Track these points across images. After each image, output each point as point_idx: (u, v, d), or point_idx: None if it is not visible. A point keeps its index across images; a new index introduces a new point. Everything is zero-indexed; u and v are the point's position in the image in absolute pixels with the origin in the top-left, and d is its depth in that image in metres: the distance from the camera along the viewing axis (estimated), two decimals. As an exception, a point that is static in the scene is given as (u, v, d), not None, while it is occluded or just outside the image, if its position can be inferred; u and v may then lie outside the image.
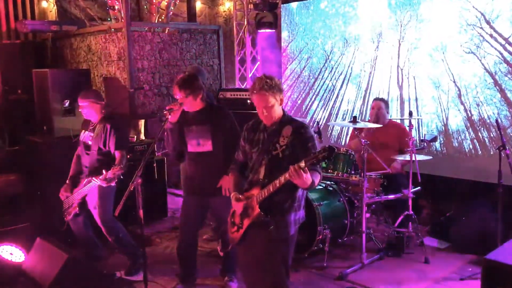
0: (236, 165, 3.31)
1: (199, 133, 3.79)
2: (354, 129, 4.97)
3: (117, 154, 4.21)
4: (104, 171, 3.94)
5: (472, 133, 5.42)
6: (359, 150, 4.78)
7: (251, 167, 3.14)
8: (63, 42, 6.93)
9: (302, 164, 2.69)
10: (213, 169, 3.81)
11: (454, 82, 5.53)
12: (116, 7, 6.43)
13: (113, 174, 3.89)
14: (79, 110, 4.37)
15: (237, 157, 3.30)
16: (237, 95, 6.16)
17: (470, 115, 5.42)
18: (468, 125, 5.44)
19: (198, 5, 8.45)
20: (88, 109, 4.29)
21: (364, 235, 4.50)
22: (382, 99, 5.35)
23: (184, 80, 3.71)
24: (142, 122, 6.29)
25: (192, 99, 3.70)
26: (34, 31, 6.76)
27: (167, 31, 6.59)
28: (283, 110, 3.10)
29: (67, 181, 4.48)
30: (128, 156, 4.19)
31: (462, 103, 5.48)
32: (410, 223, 4.72)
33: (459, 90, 5.49)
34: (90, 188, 4.21)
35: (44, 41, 7.05)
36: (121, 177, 3.91)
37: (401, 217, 4.68)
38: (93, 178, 4.04)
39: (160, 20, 6.96)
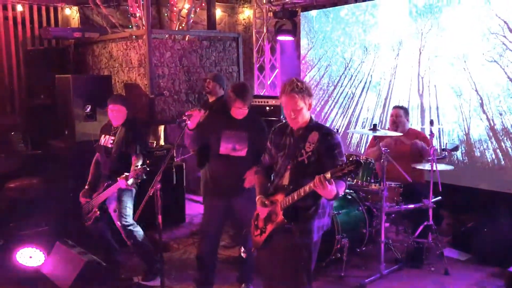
0: (262, 167, 3.30)
1: (236, 138, 3.83)
2: (374, 138, 4.91)
3: (135, 157, 4.25)
4: (125, 173, 3.98)
5: (494, 142, 5.32)
6: (377, 159, 4.72)
7: (276, 171, 3.13)
8: (85, 49, 7.02)
9: (328, 175, 2.67)
10: (241, 174, 3.84)
11: (476, 91, 5.44)
12: (138, 15, 6.49)
13: (135, 175, 3.91)
14: (110, 113, 4.42)
15: (263, 159, 3.30)
16: (256, 101, 6.15)
17: (492, 124, 5.32)
18: (491, 134, 5.34)
19: (218, 13, 8.50)
20: (117, 113, 4.38)
21: (383, 245, 4.43)
22: (401, 107, 5.27)
23: (245, 91, 3.81)
24: (161, 128, 6.32)
25: (248, 108, 3.83)
26: (57, 37, 6.86)
27: (187, 38, 6.62)
28: (310, 115, 3.07)
29: (86, 187, 4.52)
30: (148, 162, 4.21)
31: (484, 112, 5.39)
32: (430, 233, 4.63)
33: (481, 99, 5.40)
34: (111, 191, 4.24)
35: (67, 47, 7.16)
36: (144, 177, 3.93)
37: (421, 227, 4.60)
38: (118, 178, 4.06)
39: (180, 27, 7.00)
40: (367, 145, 5.56)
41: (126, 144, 4.32)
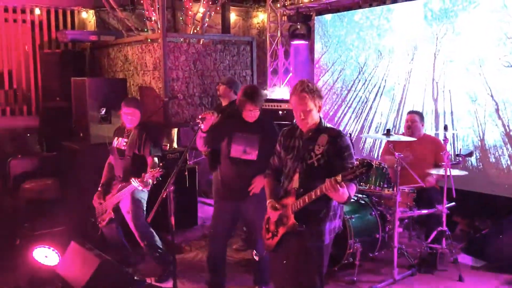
0: (271, 170, 3.31)
1: (247, 141, 3.85)
2: (388, 142, 4.90)
3: (151, 159, 4.30)
4: (143, 175, 4.02)
5: (510, 148, 5.27)
6: (392, 166, 4.71)
7: (286, 174, 3.13)
8: (101, 52, 7.12)
9: (339, 178, 2.67)
10: (251, 177, 3.85)
11: (492, 96, 5.40)
12: (153, 18, 6.57)
13: (152, 176, 3.95)
14: (124, 115, 4.48)
15: (273, 162, 3.30)
16: (269, 105, 6.17)
17: (508, 130, 5.28)
18: (506, 140, 5.29)
19: (233, 17, 8.56)
20: (131, 116, 4.43)
21: (396, 250, 4.41)
22: (416, 112, 5.25)
23: (255, 94, 3.79)
24: (175, 131, 6.38)
25: (259, 111, 3.84)
26: (73, 40, 6.98)
27: (201, 42, 6.69)
28: (320, 117, 3.07)
29: (99, 189, 4.57)
30: (161, 164, 4.25)
31: (500, 118, 5.35)
32: (443, 239, 4.60)
33: (496, 104, 5.36)
34: (125, 193, 4.28)
35: (83, 50, 7.27)
36: (160, 178, 3.97)
37: (435, 233, 4.57)
38: (132, 179, 4.11)
39: (195, 31, 7.07)
40: (382, 151, 5.54)
41: (140, 145, 4.37)
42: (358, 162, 2.70)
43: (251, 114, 3.82)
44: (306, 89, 2.94)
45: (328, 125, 3.11)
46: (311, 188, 2.86)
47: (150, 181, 4.04)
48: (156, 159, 4.33)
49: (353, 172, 2.64)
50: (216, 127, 3.90)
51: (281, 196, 3.13)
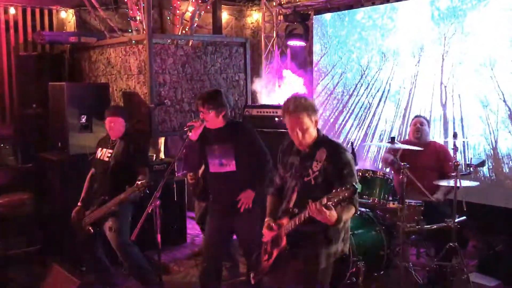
0: (274, 188, 3.32)
1: (221, 153, 3.84)
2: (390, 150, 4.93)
3: (141, 171, 4.29)
4: (127, 187, 4.02)
5: (525, 157, 5.31)
6: (388, 165, 5.02)
7: (285, 193, 3.13)
8: (82, 55, 7.12)
9: (324, 200, 2.66)
10: (237, 189, 3.84)
11: (504, 101, 5.44)
12: (138, 18, 6.58)
13: (137, 188, 3.95)
14: (107, 125, 4.48)
15: (275, 180, 3.32)
16: (264, 112, 6.18)
17: (522, 137, 5.32)
18: (521, 148, 5.33)
19: (225, 16, 8.59)
20: (116, 125, 4.43)
21: (402, 269, 4.41)
22: (423, 117, 5.29)
23: (209, 95, 3.80)
24: (162, 140, 6.37)
25: (215, 116, 3.79)
26: (51, 42, 6.97)
27: (191, 43, 6.71)
28: (318, 130, 3.06)
29: (79, 204, 4.55)
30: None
31: (513, 124, 5.39)
32: (454, 256, 4.61)
33: (509, 109, 5.40)
34: (108, 207, 4.26)
35: (61, 53, 7.26)
36: (147, 191, 3.96)
37: (444, 249, 4.58)
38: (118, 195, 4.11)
39: (183, 32, 7.09)
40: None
41: (127, 157, 4.37)
42: (344, 186, 2.67)
43: (207, 117, 3.77)
44: (300, 106, 2.93)
45: (327, 137, 3.11)
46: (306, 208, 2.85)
47: (135, 194, 4.04)
48: (147, 170, 4.34)
49: (337, 194, 2.63)
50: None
51: (279, 216, 3.14)
